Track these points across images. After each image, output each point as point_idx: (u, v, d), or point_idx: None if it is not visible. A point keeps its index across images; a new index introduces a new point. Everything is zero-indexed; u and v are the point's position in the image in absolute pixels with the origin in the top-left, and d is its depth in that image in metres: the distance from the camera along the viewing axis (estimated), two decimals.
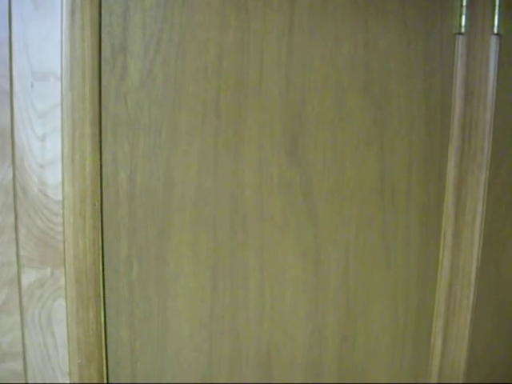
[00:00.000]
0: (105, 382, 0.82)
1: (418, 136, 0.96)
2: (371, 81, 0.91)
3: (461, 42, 0.97)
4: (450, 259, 1.04)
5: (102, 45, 0.73)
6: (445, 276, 1.04)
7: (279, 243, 0.89)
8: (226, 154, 0.82)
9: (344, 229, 0.93)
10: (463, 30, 0.96)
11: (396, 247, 0.98)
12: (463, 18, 0.96)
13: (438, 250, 1.03)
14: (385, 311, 1.00)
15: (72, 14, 0.70)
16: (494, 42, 0.97)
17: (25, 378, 0.77)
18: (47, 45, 0.70)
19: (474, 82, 0.98)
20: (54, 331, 0.78)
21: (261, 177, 0.85)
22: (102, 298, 0.79)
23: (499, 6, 0.96)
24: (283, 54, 0.84)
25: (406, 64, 0.93)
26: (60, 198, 0.73)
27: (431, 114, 0.97)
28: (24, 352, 0.77)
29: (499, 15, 0.96)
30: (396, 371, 1.04)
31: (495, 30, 0.97)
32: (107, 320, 0.81)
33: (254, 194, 0.85)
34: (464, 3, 0.95)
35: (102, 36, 0.73)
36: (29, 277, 0.75)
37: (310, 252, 0.91)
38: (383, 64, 0.91)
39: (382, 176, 0.94)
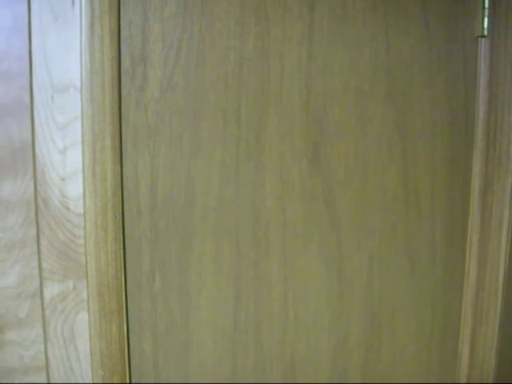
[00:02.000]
0: None
1: (441, 141, 0.95)
2: (393, 86, 0.89)
3: (483, 45, 0.96)
4: (476, 266, 1.02)
5: (122, 56, 0.73)
6: (471, 284, 1.02)
7: (302, 253, 0.87)
8: (247, 163, 0.81)
9: (367, 237, 0.91)
10: (486, 32, 0.95)
11: (421, 255, 0.97)
12: (486, 20, 0.94)
13: (464, 257, 1.02)
14: (410, 320, 0.99)
15: (91, 25, 0.69)
16: None
17: None
18: (67, 56, 0.70)
19: (498, 85, 0.96)
20: (76, 344, 0.77)
21: (282, 186, 0.84)
22: (124, 311, 0.79)
23: None
24: (303, 61, 0.83)
25: (428, 69, 0.92)
26: (81, 210, 0.73)
27: (455, 118, 0.95)
28: (47, 365, 0.76)
29: None
30: (423, 380, 1.03)
31: None
32: (130, 333, 0.80)
33: (275, 204, 0.84)
34: (486, 5, 0.94)
35: (122, 47, 0.73)
36: (51, 290, 0.74)
37: (334, 261, 0.90)
38: (405, 69, 0.90)
39: (405, 183, 0.92)
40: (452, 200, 0.98)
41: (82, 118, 0.71)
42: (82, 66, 0.70)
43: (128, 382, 0.81)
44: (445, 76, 0.94)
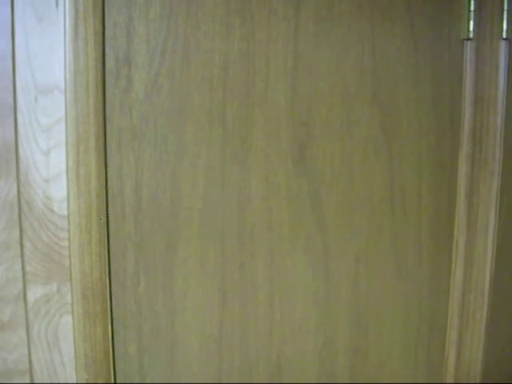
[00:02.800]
0: None
1: (427, 143, 0.95)
2: (379, 88, 0.89)
3: (469, 48, 0.96)
4: (462, 268, 1.02)
5: (106, 57, 0.72)
6: (458, 286, 1.03)
7: (288, 254, 0.87)
8: (233, 165, 0.81)
9: (354, 238, 0.91)
10: (471, 35, 0.95)
11: (407, 257, 0.97)
12: (471, 23, 0.95)
13: (451, 259, 1.02)
14: (397, 322, 0.99)
15: (75, 26, 0.69)
16: (503, 46, 0.96)
17: None
18: (51, 58, 0.69)
19: (484, 87, 0.97)
20: (60, 348, 0.76)
21: (268, 187, 0.84)
22: (109, 313, 0.78)
23: (507, 11, 0.95)
24: (289, 63, 0.83)
25: (413, 70, 0.92)
26: (65, 212, 0.73)
27: (440, 120, 0.96)
28: (30, 369, 0.75)
29: (508, 20, 0.95)
30: (410, 382, 1.03)
31: (504, 35, 0.95)
32: (115, 335, 0.80)
33: (261, 205, 0.84)
34: (472, 8, 0.94)
35: (106, 48, 0.72)
36: (35, 293, 0.74)
37: (320, 263, 0.90)
38: (391, 70, 0.90)
39: (391, 185, 0.92)
40: (438, 201, 0.98)
41: (66, 119, 0.70)
42: (65, 67, 0.70)
43: None
44: (431, 78, 0.94)
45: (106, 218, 0.75)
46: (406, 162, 0.93)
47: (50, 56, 0.69)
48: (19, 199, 0.71)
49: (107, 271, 0.77)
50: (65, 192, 0.72)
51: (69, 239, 0.73)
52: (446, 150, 0.97)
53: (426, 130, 0.95)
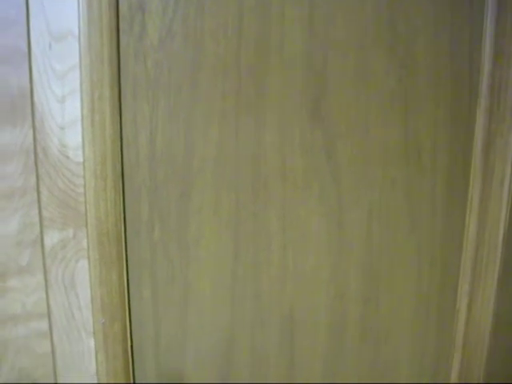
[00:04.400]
0: (129, 341, 0.83)
1: (444, 96, 0.93)
2: (396, 39, 0.88)
3: (490, 0, 0.94)
4: (476, 222, 1.02)
5: (120, 3, 0.72)
6: (471, 239, 1.03)
7: (302, 205, 0.88)
8: (247, 114, 0.81)
9: (368, 191, 0.91)
10: None
11: (421, 210, 0.97)
12: None
13: (465, 213, 1.01)
14: (409, 274, 0.99)
15: None
16: None
17: (50, 337, 0.78)
18: (64, 4, 0.69)
19: (504, 41, 0.94)
20: (77, 292, 0.79)
21: (283, 138, 0.84)
22: (124, 259, 0.80)
23: None
24: (305, 12, 0.81)
25: (432, 22, 0.90)
26: (81, 159, 0.74)
27: (459, 73, 0.94)
28: (49, 312, 0.78)
29: None
30: (420, 335, 1.04)
31: None
32: (130, 281, 0.81)
33: (275, 155, 0.84)
34: None
35: None
36: (51, 238, 0.75)
37: (333, 214, 0.90)
38: (409, 22, 0.88)
39: (406, 137, 0.92)
40: (453, 155, 0.97)
41: (80, 66, 0.71)
42: (79, 13, 0.70)
43: (128, 329, 0.83)
44: (450, 29, 0.92)
45: (121, 165, 0.76)
46: (422, 114, 0.92)
47: (63, 2, 0.69)
48: (35, 146, 0.72)
49: (122, 218, 0.78)
50: (80, 139, 0.73)
51: (84, 186, 0.75)
52: (463, 104, 0.96)
53: (444, 84, 0.93)
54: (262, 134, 0.82)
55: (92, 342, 0.81)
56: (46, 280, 0.77)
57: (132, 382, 0.85)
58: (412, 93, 0.90)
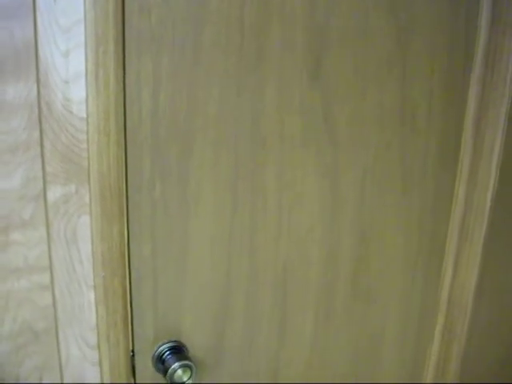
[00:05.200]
0: (128, 295, 0.85)
1: (440, 61, 0.95)
2: (396, 1, 0.88)
3: None
4: (465, 189, 1.04)
5: None
6: (459, 205, 1.05)
7: (299, 165, 0.89)
8: (248, 73, 0.82)
9: (363, 152, 0.93)
10: None
11: (413, 173, 0.99)
12: None
13: (454, 179, 1.04)
14: (399, 236, 1.02)
15: None
16: None
17: (52, 290, 0.80)
18: None
19: (502, 9, 0.95)
20: (79, 246, 0.80)
21: (282, 97, 0.85)
22: (125, 215, 0.81)
23: None
24: None
25: None
26: (84, 114, 0.74)
27: (455, 39, 0.95)
28: (51, 266, 0.79)
29: None
30: (407, 294, 1.07)
31: None
32: (130, 237, 0.83)
33: (275, 115, 0.85)
34: None
35: None
36: (54, 192, 0.76)
37: (329, 174, 0.92)
38: None
39: (402, 101, 0.93)
40: (447, 122, 0.99)
41: (85, 20, 0.71)
42: None
43: (128, 283, 0.85)
44: None
45: (123, 121, 0.77)
46: (418, 79, 0.94)
47: None
48: (39, 100, 0.72)
49: (124, 174, 0.79)
50: (84, 94, 0.73)
51: (87, 141, 0.75)
52: (458, 71, 0.97)
53: (440, 49, 0.94)
54: (262, 94, 0.83)
55: (92, 296, 0.82)
56: (48, 234, 0.78)
57: (131, 334, 0.87)
58: (409, 57, 0.92)
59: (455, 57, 0.96)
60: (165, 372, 0.87)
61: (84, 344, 0.84)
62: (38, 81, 0.71)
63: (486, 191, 1.03)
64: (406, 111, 0.94)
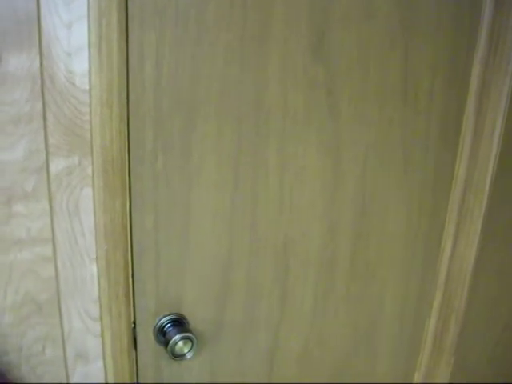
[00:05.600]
0: (130, 268, 0.86)
1: (444, 40, 0.94)
2: None
3: None
4: (465, 168, 1.04)
5: None
6: (460, 184, 1.05)
7: (301, 140, 0.89)
8: (252, 47, 0.81)
9: (365, 129, 0.93)
10: None
11: (414, 151, 0.99)
12: None
13: (455, 157, 1.04)
14: (399, 213, 1.03)
15: None
16: None
17: (54, 262, 0.80)
18: None
19: None
20: (81, 218, 0.80)
21: (285, 72, 0.85)
22: (127, 187, 0.81)
23: None
24: None
25: None
26: (87, 87, 0.74)
27: (459, 18, 0.94)
28: (53, 238, 0.80)
29: None
30: (406, 271, 1.08)
31: None
32: (132, 209, 0.83)
33: (277, 89, 0.85)
34: None
35: None
36: (57, 165, 0.77)
37: (331, 150, 0.92)
38: None
39: (405, 78, 0.93)
40: (449, 100, 0.99)
41: None
42: None
43: (130, 256, 0.85)
44: None
45: (126, 94, 0.77)
46: (421, 57, 0.93)
47: None
48: (42, 72, 0.72)
49: (127, 146, 0.79)
50: (86, 66, 0.73)
51: (90, 113, 0.75)
52: (462, 50, 0.97)
53: (444, 28, 0.94)
54: (265, 68, 0.83)
55: (95, 268, 0.83)
56: (50, 206, 0.78)
57: (133, 306, 0.88)
58: (412, 34, 0.91)
59: (459, 37, 0.95)
60: (166, 344, 0.89)
61: (86, 316, 0.85)
62: (40, 52, 0.71)
63: (487, 169, 1.04)
64: (409, 89, 0.94)
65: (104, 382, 0.89)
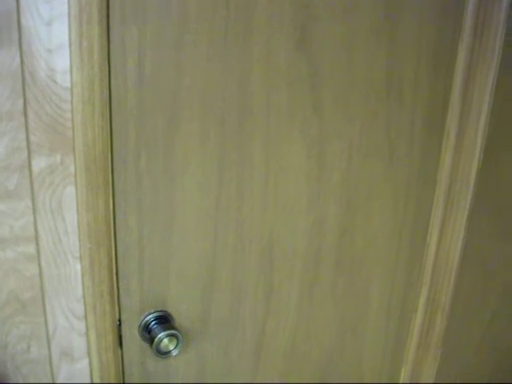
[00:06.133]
0: (114, 266, 0.85)
1: (428, 31, 0.94)
2: None
3: None
4: (451, 159, 1.04)
5: None
6: (445, 175, 1.05)
7: (285, 136, 0.89)
8: (235, 45, 0.81)
9: (349, 123, 0.93)
10: None
11: (399, 144, 0.99)
12: None
13: (441, 148, 1.04)
14: (384, 207, 1.03)
15: None
16: None
17: (38, 261, 0.80)
18: None
19: None
20: (64, 217, 0.80)
21: (269, 68, 0.84)
22: (110, 186, 0.81)
23: None
24: None
25: None
26: (68, 84, 0.73)
27: (443, 9, 0.94)
28: (36, 236, 0.79)
29: None
30: (391, 265, 1.08)
31: None
32: (116, 208, 0.83)
33: (261, 87, 0.85)
34: None
35: None
36: (39, 163, 0.76)
37: (315, 145, 0.92)
38: None
39: (389, 71, 0.93)
40: (434, 91, 0.99)
41: None
42: None
43: (114, 254, 0.85)
44: None
45: (108, 91, 0.76)
46: (405, 49, 0.93)
47: None
48: (22, 69, 0.71)
49: (109, 145, 0.79)
50: (68, 63, 0.72)
51: (72, 111, 0.75)
52: (446, 40, 0.96)
53: (428, 19, 0.93)
54: (249, 65, 0.83)
55: (79, 266, 0.83)
56: (33, 204, 0.77)
57: (117, 304, 0.88)
58: (397, 26, 0.91)
59: (443, 25, 0.95)
60: (151, 341, 0.88)
61: (71, 314, 0.84)
62: (20, 49, 0.70)
63: (472, 159, 1.04)
64: (393, 81, 0.94)
65: (90, 380, 0.89)
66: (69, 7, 0.70)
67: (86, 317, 0.85)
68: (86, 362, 0.88)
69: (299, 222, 0.96)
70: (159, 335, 0.88)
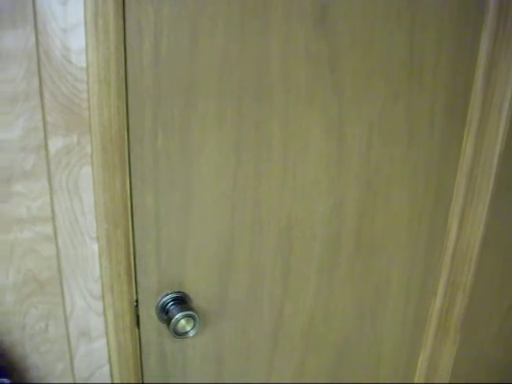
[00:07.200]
0: (131, 247, 0.85)
1: (450, 14, 0.92)
2: None
3: None
4: (473, 144, 1.02)
5: None
6: (467, 160, 1.04)
7: (304, 117, 0.88)
8: (253, 21, 0.79)
9: (369, 105, 0.91)
10: None
11: (420, 127, 0.97)
12: None
13: (462, 134, 1.02)
14: (404, 190, 1.01)
15: None
16: None
17: (55, 241, 0.80)
18: None
19: None
20: (81, 197, 0.80)
21: (288, 47, 0.83)
22: (127, 166, 0.81)
23: None
24: None
25: None
26: (84, 64, 0.73)
27: None
28: (53, 217, 0.79)
29: None
30: (411, 249, 1.07)
31: None
32: (133, 188, 0.83)
33: (280, 65, 0.83)
34: None
35: None
36: (55, 143, 0.76)
37: (334, 127, 0.91)
38: None
39: (410, 52, 0.91)
40: (456, 75, 0.97)
41: None
42: None
43: (131, 235, 0.85)
44: None
45: (124, 71, 0.75)
46: (427, 31, 0.91)
47: None
48: (38, 49, 0.71)
49: (126, 125, 0.78)
50: (83, 43, 0.72)
51: (88, 91, 0.74)
52: (469, 24, 0.94)
53: (451, 1, 0.91)
54: (267, 43, 0.81)
55: (96, 247, 0.83)
56: (50, 185, 0.78)
57: (134, 285, 0.88)
58: (419, 6, 0.89)
59: (466, 9, 0.93)
60: (168, 322, 0.89)
61: (88, 294, 0.85)
62: (35, 28, 0.70)
63: (495, 145, 1.02)
64: (414, 63, 0.92)
65: (107, 359, 0.90)
66: None
67: (103, 297, 0.85)
68: (103, 341, 0.88)
69: (318, 205, 0.95)
70: (176, 316, 0.88)
